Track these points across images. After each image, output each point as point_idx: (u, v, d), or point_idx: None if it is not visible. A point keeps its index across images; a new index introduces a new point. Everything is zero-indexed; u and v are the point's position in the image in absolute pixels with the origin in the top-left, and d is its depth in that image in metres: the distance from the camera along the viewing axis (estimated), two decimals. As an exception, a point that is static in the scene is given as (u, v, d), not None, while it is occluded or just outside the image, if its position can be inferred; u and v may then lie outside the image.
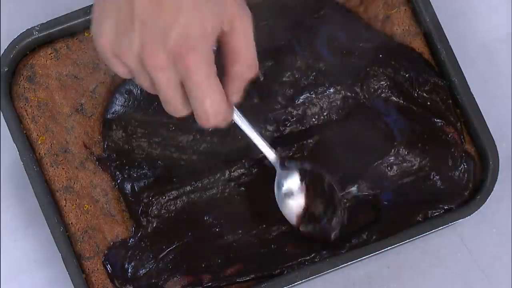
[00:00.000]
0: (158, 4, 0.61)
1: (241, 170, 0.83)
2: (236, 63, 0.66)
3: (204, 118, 0.65)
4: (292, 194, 0.80)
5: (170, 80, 0.64)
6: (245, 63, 0.66)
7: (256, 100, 0.83)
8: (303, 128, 0.83)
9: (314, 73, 0.84)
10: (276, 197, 0.80)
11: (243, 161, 0.83)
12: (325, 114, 0.84)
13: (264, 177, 0.82)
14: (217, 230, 0.82)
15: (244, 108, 0.73)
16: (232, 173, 0.83)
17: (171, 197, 0.83)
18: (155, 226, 0.82)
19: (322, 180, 0.81)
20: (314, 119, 0.84)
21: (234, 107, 0.71)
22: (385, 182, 0.83)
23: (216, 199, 0.83)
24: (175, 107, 0.66)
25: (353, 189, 0.83)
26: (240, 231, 0.82)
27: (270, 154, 0.79)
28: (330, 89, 0.84)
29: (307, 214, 0.80)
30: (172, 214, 0.82)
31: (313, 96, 0.83)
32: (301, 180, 0.80)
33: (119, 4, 0.62)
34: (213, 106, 0.65)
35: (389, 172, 0.83)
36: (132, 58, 0.63)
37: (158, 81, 0.64)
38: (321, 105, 0.84)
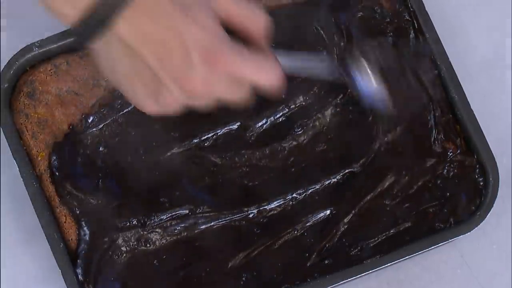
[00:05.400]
0: (162, 44, 0.61)
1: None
2: (248, 26, 0.66)
3: (272, 82, 0.66)
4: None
5: (220, 86, 0.64)
6: (254, 21, 0.66)
7: None
8: None
9: None
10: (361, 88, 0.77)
11: None
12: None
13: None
14: None
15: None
16: None
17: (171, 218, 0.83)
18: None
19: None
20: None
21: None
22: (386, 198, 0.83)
23: None
24: (245, 97, 0.67)
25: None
26: None
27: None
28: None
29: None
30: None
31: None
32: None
33: (133, 70, 0.63)
34: (267, 70, 0.66)
35: (390, 189, 0.83)
36: (177, 101, 0.65)
37: (214, 96, 0.65)
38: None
